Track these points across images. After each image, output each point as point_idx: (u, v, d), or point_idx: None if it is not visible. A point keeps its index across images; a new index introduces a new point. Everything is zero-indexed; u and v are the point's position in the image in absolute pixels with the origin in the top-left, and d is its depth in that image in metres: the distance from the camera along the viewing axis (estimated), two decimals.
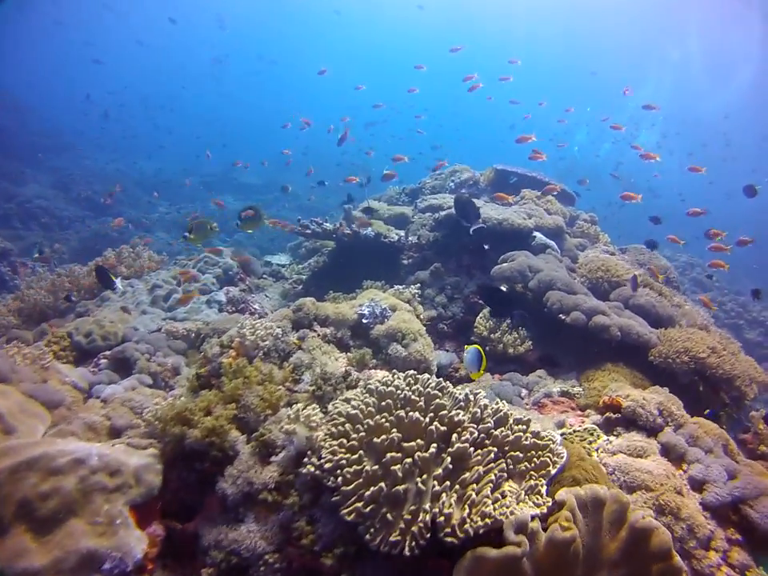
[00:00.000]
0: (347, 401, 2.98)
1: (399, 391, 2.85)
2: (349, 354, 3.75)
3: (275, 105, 45.27)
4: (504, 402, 3.06)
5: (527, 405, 4.61)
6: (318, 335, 3.84)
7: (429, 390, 2.84)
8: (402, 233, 6.94)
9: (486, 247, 6.06)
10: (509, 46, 47.86)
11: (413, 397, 2.78)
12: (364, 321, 3.86)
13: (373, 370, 3.59)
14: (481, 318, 5.67)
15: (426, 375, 3.03)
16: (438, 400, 2.79)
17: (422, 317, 5.06)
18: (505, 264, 5.73)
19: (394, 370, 3.09)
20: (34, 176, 17.34)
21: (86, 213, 16.13)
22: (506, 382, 4.84)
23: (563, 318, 5.11)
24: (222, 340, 3.74)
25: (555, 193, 7.54)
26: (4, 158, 17.57)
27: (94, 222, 15.15)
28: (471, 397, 2.91)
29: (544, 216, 6.82)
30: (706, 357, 4.85)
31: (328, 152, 18.69)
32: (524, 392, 4.83)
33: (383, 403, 2.81)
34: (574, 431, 3.87)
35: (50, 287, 6.38)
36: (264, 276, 8.02)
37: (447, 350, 6.11)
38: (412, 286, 5.11)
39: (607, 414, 3.96)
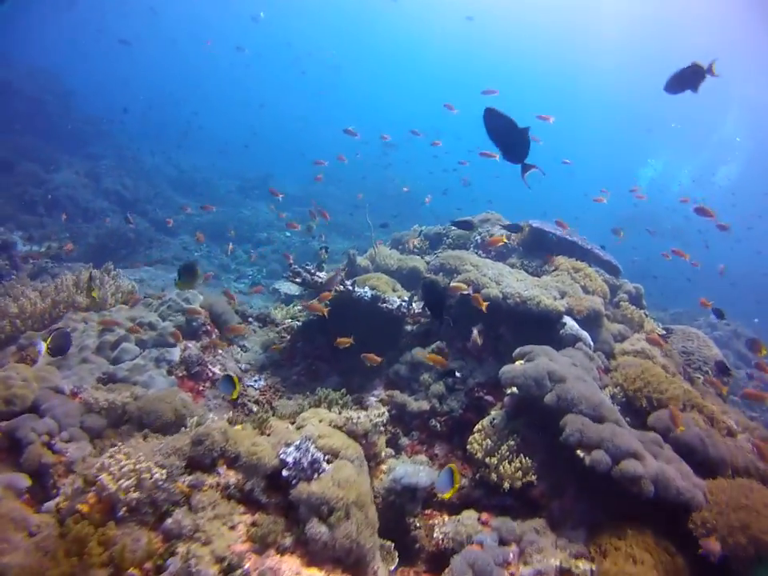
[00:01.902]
0: None
1: None
2: (255, 517, 2.64)
3: (313, 108, 44.68)
4: None
5: None
6: (219, 485, 2.73)
7: None
8: (407, 297, 5.80)
9: (458, 375, 4.98)
10: (575, 81, 46.45)
11: None
12: (284, 473, 2.74)
13: (278, 558, 2.46)
14: (477, 432, 4.50)
15: None
16: None
17: (383, 454, 3.89)
18: (518, 365, 4.53)
19: None
20: (69, 163, 16.87)
21: (113, 206, 15.53)
22: (490, 539, 3.66)
23: (581, 455, 3.89)
24: (86, 475, 2.69)
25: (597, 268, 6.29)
26: (45, 143, 17.21)
27: (116, 219, 14.47)
28: None
29: (580, 295, 5.57)
30: None
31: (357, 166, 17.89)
32: (512, 553, 3.64)
33: None
34: None
35: None
36: (250, 319, 6.98)
37: (437, 454, 4.97)
38: (376, 411, 3.93)
39: None
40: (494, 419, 4.57)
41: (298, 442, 2.91)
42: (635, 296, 7.29)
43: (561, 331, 5.17)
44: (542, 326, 5.27)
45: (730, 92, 32.87)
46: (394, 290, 6.09)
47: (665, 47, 35.83)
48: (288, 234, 14.67)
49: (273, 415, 4.59)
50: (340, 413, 3.84)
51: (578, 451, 3.92)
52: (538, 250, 6.69)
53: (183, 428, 3.62)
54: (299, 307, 7.51)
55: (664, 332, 7.50)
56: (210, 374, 5.39)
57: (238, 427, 3.30)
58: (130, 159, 18.37)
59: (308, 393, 5.62)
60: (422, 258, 7.19)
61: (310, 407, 3.90)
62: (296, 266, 6.17)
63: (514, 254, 6.76)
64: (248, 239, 15.65)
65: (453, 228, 7.45)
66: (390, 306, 5.51)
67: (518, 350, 4.74)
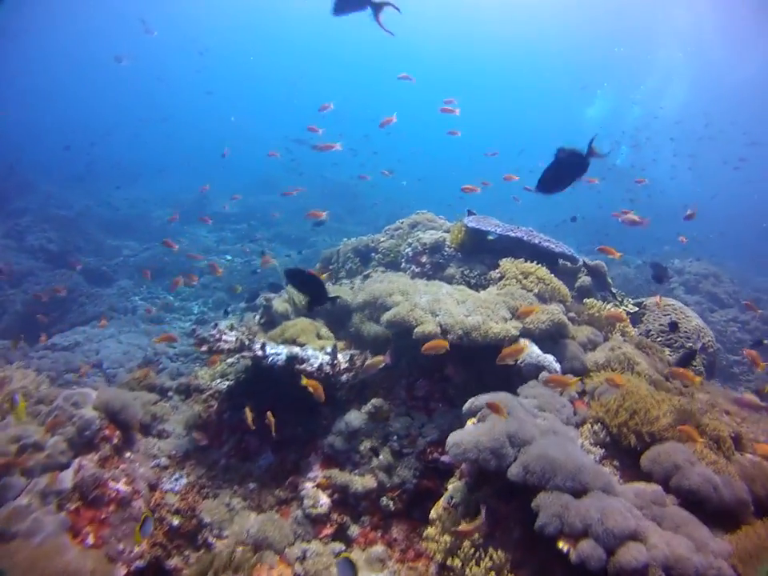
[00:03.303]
0: None
1: None
2: None
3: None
4: None
5: None
6: None
7: None
8: (331, 346, 4.71)
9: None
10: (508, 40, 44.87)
11: None
12: None
13: None
14: (432, 524, 3.47)
15: None
16: None
17: None
18: (469, 427, 3.50)
19: None
20: None
21: (40, 264, 14.12)
22: None
23: (565, 549, 2.88)
24: None
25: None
26: None
27: (45, 277, 13.11)
28: None
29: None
30: None
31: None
32: None
33: None
34: None
35: None
36: (169, 393, 5.86)
37: (396, 539, 3.98)
38: None
39: None
40: (451, 498, 3.55)
41: None
42: (597, 273, 6.32)
43: (518, 361, 4.14)
44: (495, 358, 4.25)
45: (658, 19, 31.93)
46: (318, 336, 5.01)
47: None
48: (229, 257, 13.47)
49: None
50: None
51: (560, 544, 2.91)
52: (478, 253, 5.63)
53: None
54: (231, 360, 6.40)
55: (636, 309, 6.59)
56: (114, 494, 4.27)
57: None
58: (54, 209, 16.81)
59: (236, 486, 4.60)
60: (350, 282, 6.09)
61: None
62: (201, 332, 5.08)
63: (452, 261, 5.69)
64: (188, 270, 14.38)
65: (382, 239, 6.37)
66: (310, 368, 4.43)
67: (467, 404, 3.70)
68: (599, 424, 3.74)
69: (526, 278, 4.90)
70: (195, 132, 39.21)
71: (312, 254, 14.16)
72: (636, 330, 6.17)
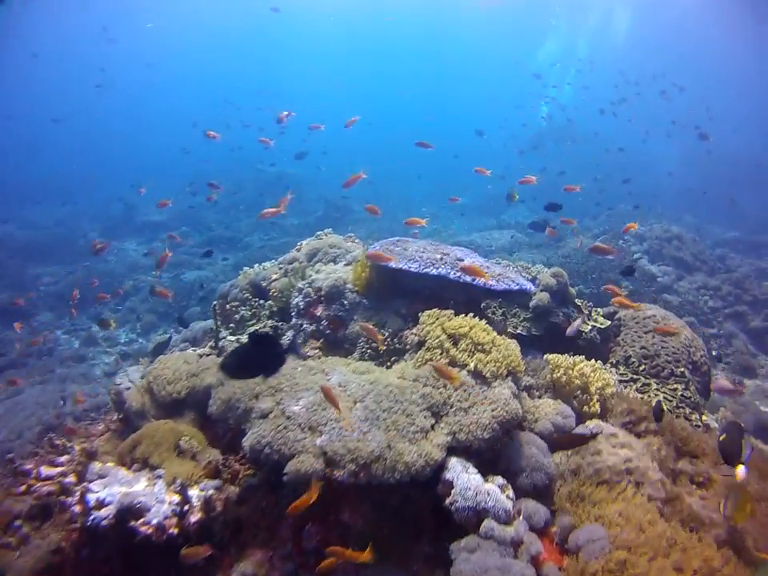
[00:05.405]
0: None
1: None
2: None
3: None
4: None
5: None
6: None
7: None
8: (179, 485, 3.04)
9: None
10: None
11: None
12: None
13: None
14: None
15: None
16: None
17: None
18: None
19: None
20: None
21: None
22: None
23: None
24: None
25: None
26: None
27: None
28: None
29: (474, 400, 2.91)
30: None
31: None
32: None
33: None
34: None
35: None
36: (16, 524, 4.14)
37: None
38: None
39: None
40: None
41: None
42: (558, 290, 4.77)
43: (447, 500, 2.56)
44: (412, 493, 2.68)
45: None
46: (179, 450, 3.36)
47: None
48: (155, 273, 11.64)
49: None
50: None
51: None
52: (392, 297, 3.93)
53: None
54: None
55: (609, 323, 5.11)
56: None
57: None
58: None
59: None
60: (237, 339, 4.35)
61: None
62: (19, 463, 3.42)
63: (356, 312, 3.88)
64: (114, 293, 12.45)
65: (274, 275, 4.64)
66: (146, 530, 2.79)
67: None
68: None
69: (455, 344, 3.26)
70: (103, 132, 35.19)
71: (244, 258, 12.35)
72: (609, 360, 4.69)
